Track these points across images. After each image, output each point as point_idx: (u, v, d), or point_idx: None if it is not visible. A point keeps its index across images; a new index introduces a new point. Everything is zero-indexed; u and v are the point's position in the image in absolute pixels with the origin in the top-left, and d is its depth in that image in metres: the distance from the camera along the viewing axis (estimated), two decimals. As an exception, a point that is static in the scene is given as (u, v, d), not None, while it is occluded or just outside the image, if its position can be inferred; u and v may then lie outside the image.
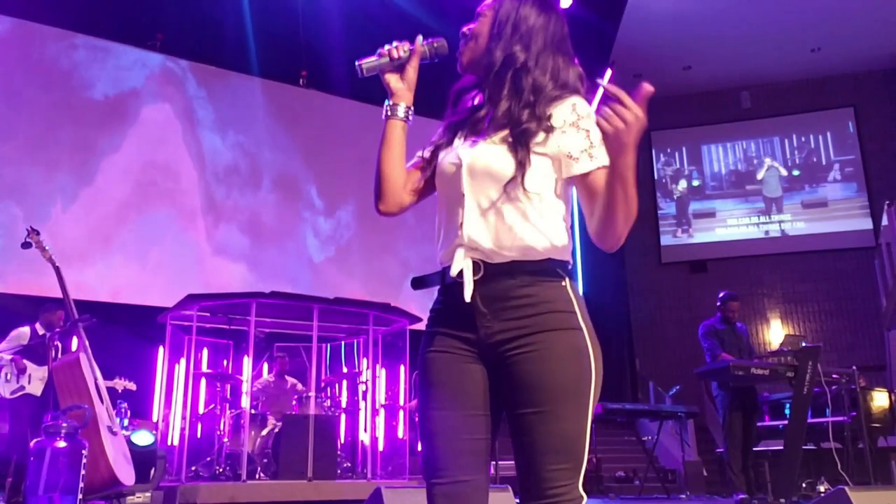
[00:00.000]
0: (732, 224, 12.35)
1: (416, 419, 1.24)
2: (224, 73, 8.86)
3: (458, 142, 1.39)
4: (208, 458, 5.83)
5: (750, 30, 10.79)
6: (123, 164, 8.13)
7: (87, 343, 4.41)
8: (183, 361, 6.20)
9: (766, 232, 12.11)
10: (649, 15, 10.49)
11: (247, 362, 5.80)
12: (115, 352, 5.69)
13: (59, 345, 5.01)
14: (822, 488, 5.37)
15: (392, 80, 1.42)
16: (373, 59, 1.41)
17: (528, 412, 1.24)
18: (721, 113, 12.55)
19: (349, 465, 6.11)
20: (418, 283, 1.42)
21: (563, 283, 1.30)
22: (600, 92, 1.33)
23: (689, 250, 12.31)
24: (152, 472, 4.85)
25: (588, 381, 1.28)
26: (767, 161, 12.38)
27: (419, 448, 6.29)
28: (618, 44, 11.01)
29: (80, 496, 3.67)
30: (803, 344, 5.19)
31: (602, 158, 1.28)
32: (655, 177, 12.78)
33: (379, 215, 1.47)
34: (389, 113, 1.43)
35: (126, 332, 6.46)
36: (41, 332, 5.18)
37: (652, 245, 12.39)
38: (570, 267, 1.35)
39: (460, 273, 1.29)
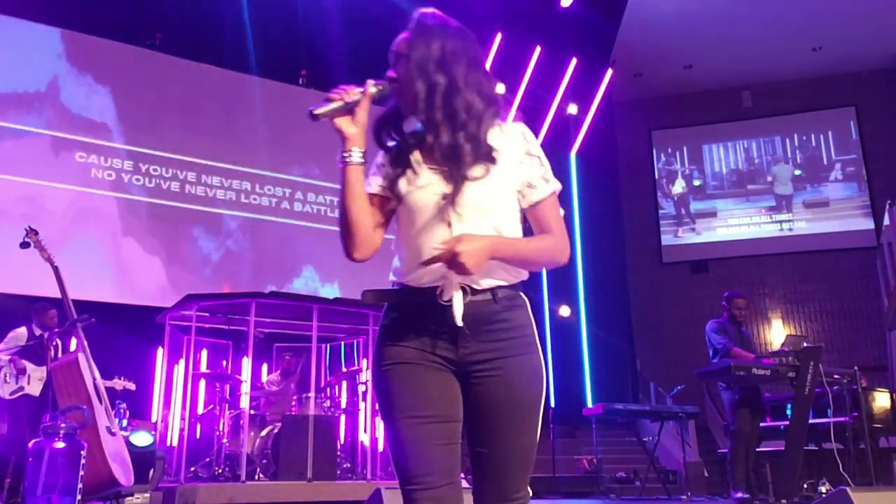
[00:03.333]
0: (734, 224, 12.32)
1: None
2: (223, 71, 8.85)
3: (421, 171, 1.41)
4: (207, 459, 5.82)
5: (751, 29, 10.77)
6: (122, 162, 8.12)
7: (85, 343, 4.40)
8: (182, 362, 6.18)
9: (776, 230, 12.07)
10: (650, 14, 10.47)
11: (246, 363, 5.79)
12: (114, 352, 5.67)
13: (59, 344, 5.00)
14: (823, 489, 5.34)
15: (344, 123, 1.39)
16: (326, 105, 1.38)
17: (497, 427, 1.36)
18: (722, 112, 12.52)
19: (349, 465, 6.09)
20: (379, 296, 1.44)
21: (527, 306, 1.43)
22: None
23: (691, 250, 12.28)
24: (151, 472, 4.84)
25: (541, 397, 1.40)
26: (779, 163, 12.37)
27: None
28: (618, 43, 10.99)
29: (78, 497, 3.66)
30: (805, 344, 5.16)
31: (554, 182, 1.45)
32: (656, 176, 12.75)
33: (352, 262, 1.47)
34: (348, 159, 1.40)
35: (125, 333, 6.44)
36: (38, 332, 5.15)
37: (653, 245, 12.36)
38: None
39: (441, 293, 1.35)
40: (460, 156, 1.37)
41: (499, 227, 1.39)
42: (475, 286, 1.36)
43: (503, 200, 1.40)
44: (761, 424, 5.70)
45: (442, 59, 1.39)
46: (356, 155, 1.41)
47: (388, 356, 1.38)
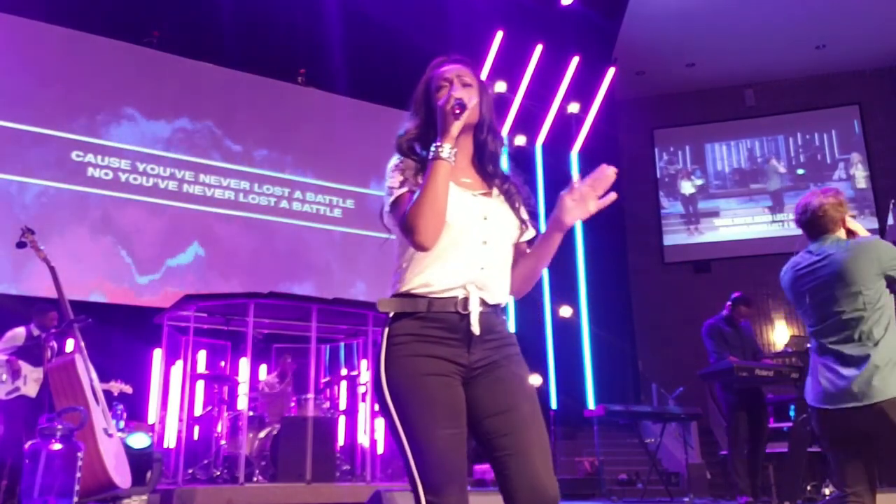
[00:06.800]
0: (737, 223, 12.26)
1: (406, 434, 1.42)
2: (222, 70, 8.80)
3: (458, 189, 1.52)
4: (205, 461, 5.79)
5: (754, 26, 10.71)
6: (119, 161, 8.09)
7: (82, 344, 4.36)
8: (180, 363, 6.14)
9: (779, 229, 11.99)
10: (652, 11, 10.41)
11: (244, 363, 5.75)
12: (112, 353, 5.63)
13: (55, 345, 4.96)
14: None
15: (457, 127, 1.48)
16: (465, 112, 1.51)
17: (518, 420, 1.46)
18: (725, 111, 12.45)
19: (348, 467, 6.06)
20: (405, 305, 1.49)
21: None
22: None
23: (693, 250, 12.22)
24: (148, 475, 4.81)
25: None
26: (773, 162, 12.30)
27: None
28: (620, 41, 10.93)
29: (75, 499, 3.62)
30: (808, 345, 5.11)
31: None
32: (658, 175, 12.69)
33: (419, 250, 1.48)
34: (447, 155, 1.46)
35: (122, 334, 6.40)
36: (36, 332, 5.12)
37: (655, 245, 12.30)
38: None
39: (464, 303, 1.47)
40: (510, 193, 1.61)
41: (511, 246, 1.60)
42: (488, 300, 1.50)
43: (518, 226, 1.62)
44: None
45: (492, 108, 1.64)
46: (453, 153, 1.48)
47: (423, 367, 1.44)
